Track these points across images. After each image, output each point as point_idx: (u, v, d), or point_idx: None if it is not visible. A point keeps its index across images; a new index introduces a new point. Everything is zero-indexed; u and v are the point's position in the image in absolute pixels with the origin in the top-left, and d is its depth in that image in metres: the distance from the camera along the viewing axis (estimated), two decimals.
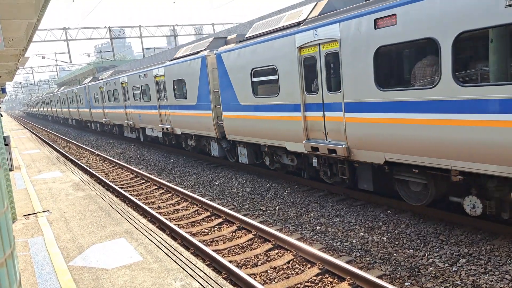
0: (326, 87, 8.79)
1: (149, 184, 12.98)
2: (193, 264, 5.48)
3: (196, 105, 14.19)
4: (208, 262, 6.63)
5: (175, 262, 5.57)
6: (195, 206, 10.14)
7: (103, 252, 6.15)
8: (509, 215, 6.64)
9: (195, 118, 14.47)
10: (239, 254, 7.11)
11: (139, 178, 13.94)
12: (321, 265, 6.15)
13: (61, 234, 7.15)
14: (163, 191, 11.91)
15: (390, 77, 7.63)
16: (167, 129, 16.97)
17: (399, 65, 7.62)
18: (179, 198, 10.94)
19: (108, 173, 15.60)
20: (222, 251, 7.29)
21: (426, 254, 6.48)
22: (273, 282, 5.99)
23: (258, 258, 6.84)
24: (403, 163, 7.48)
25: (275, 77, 10.18)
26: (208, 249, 6.80)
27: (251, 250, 7.23)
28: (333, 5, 9.29)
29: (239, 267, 6.53)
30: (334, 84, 8.69)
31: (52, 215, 8.42)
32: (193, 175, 13.83)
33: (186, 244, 7.45)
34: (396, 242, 7.01)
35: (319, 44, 8.73)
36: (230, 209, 9.53)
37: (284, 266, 6.44)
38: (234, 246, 7.46)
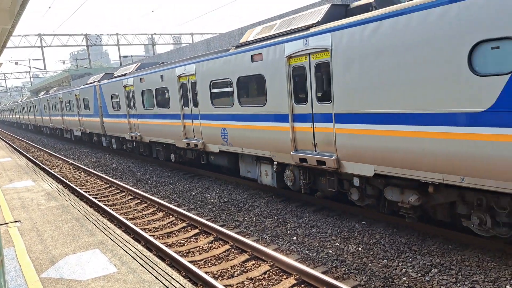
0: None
1: (124, 194, 12.80)
2: (169, 275, 5.44)
3: (93, 114, 22.55)
4: (184, 274, 6.58)
5: (151, 273, 5.52)
6: (171, 216, 10.05)
7: (77, 263, 6.03)
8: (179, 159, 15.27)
9: (93, 122, 22.86)
10: (216, 265, 7.08)
11: (114, 188, 13.73)
12: (297, 276, 6.19)
13: (33, 245, 6.97)
14: (139, 201, 11.76)
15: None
16: (82, 130, 25.27)
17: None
18: (155, 209, 10.83)
19: (82, 182, 15.31)
20: (199, 262, 7.24)
21: (400, 264, 6.60)
22: None
23: (234, 269, 6.83)
24: (156, 141, 15.97)
25: (118, 100, 18.52)
26: (184, 260, 6.75)
27: (227, 261, 7.21)
28: (143, 66, 17.63)
29: (216, 278, 6.50)
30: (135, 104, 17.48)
31: (24, 225, 8.20)
32: (169, 185, 13.72)
33: (162, 255, 7.37)
34: (371, 253, 7.12)
35: (131, 86, 17.08)
36: (206, 220, 9.49)
37: (261, 277, 6.45)
38: (210, 257, 7.43)
